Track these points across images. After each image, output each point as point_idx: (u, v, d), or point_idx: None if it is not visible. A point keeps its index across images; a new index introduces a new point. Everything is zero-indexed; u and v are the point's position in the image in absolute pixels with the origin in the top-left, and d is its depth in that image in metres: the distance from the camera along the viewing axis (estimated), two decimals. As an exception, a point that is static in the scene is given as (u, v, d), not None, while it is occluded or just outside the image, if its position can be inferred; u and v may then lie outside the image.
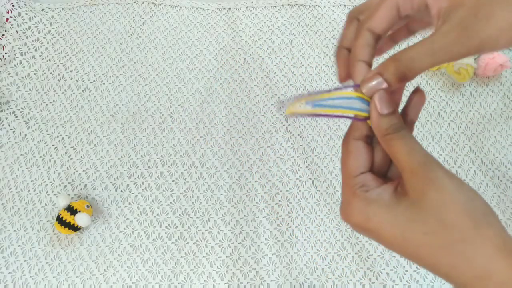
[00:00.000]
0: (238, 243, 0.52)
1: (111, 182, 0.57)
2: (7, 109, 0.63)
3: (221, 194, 0.56)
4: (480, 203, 0.22)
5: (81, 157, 0.59)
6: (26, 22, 0.70)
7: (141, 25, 0.72)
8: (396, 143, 0.24)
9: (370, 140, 0.27)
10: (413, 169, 0.23)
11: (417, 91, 0.27)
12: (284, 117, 0.58)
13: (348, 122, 0.28)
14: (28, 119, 0.62)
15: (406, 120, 0.28)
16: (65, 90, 0.65)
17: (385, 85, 0.24)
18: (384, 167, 0.28)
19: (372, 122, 0.25)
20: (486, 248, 0.21)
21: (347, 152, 0.27)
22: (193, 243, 0.52)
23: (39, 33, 0.70)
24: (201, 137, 0.61)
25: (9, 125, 0.61)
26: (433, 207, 0.22)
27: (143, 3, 0.75)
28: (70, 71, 0.67)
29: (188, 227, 0.53)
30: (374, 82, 0.24)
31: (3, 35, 0.67)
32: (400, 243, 0.23)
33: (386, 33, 0.27)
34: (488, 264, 0.21)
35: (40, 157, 0.59)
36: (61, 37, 0.71)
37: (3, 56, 0.66)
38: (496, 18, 0.22)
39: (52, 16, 0.74)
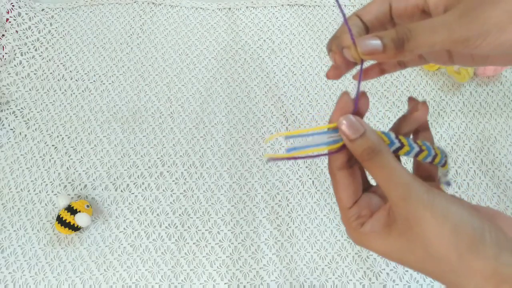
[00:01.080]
0: (238, 243, 0.52)
1: (111, 182, 0.57)
2: (7, 109, 0.63)
3: (221, 194, 0.56)
4: (468, 231, 0.21)
5: (81, 157, 0.59)
6: (26, 22, 0.70)
7: (141, 25, 0.72)
8: (374, 171, 0.23)
9: (354, 161, 0.25)
10: (394, 202, 0.23)
11: (422, 104, 0.26)
12: (266, 160, 0.57)
13: None
14: (28, 119, 0.62)
15: (400, 131, 0.27)
16: (65, 90, 0.65)
17: (381, 48, 0.23)
18: None
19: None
20: (475, 279, 0.21)
21: (335, 183, 0.26)
22: (193, 243, 0.52)
23: (39, 33, 0.70)
24: (201, 137, 0.61)
25: (9, 125, 0.61)
26: (418, 240, 0.22)
27: (143, 3, 0.75)
28: (70, 71, 0.67)
29: (188, 227, 0.53)
30: (371, 42, 0.23)
31: (3, 35, 0.67)
32: (402, 264, 0.24)
33: (373, 24, 0.26)
34: None
35: (40, 157, 0.59)
36: (61, 37, 0.71)
37: (3, 56, 0.66)
38: (505, 1, 0.21)
39: (52, 16, 0.74)
